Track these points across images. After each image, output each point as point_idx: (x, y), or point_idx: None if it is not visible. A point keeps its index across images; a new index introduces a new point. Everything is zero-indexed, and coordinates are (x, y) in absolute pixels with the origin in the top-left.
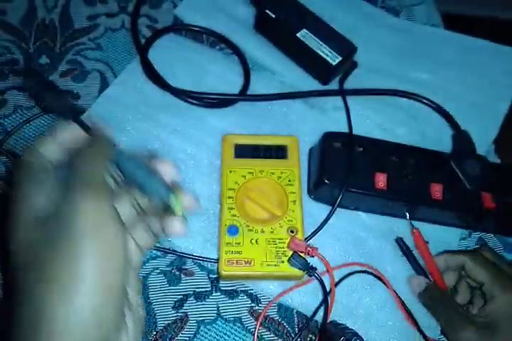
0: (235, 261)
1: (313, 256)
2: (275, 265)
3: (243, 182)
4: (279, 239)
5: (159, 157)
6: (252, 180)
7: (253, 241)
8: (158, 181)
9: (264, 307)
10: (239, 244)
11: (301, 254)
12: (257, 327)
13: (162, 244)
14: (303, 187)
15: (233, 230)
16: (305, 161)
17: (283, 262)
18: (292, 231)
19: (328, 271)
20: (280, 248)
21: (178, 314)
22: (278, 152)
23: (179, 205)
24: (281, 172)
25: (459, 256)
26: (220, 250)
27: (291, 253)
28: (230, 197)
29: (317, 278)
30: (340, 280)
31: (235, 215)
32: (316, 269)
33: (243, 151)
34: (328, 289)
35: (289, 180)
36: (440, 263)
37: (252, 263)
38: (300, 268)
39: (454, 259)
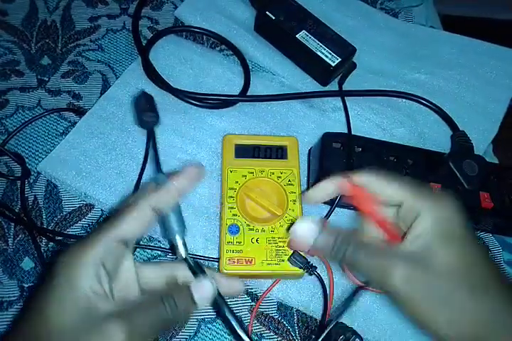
0: (235, 260)
1: (313, 255)
2: (276, 264)
3: (244, 182)
4: (279, 238)
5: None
6: (252, 180)
7: (254, 241)
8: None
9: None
10: (240, 243)
11: (301, 253)
12: (251, 320)
13: (162, 243)
14: (302, 187)
15: (234, 229)
16: (305, 161)
17: (283, 261)
18: None
19: (327, 269)
20: (280, 247)
21: None
22: (278, 152)
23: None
24: (281, 172)
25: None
26: (220, 249)
27: (291, 252)
28: (230, 197)
29: (317, 277)
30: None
31: (235, 215)
32: (316, 268)
33: (243, 151)
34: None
35: (289, 180)
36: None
37: (253, 262)
38: (300, 267)
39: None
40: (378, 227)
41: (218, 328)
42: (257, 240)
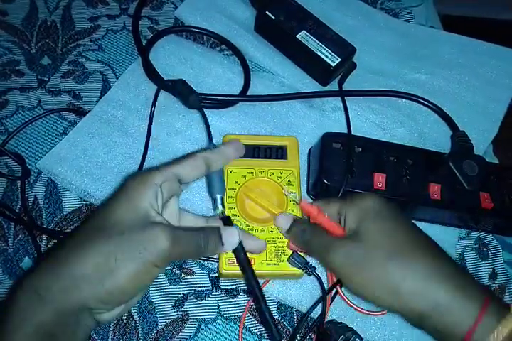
0: (235, 261)
1: (311, 255)
2: (275, 264)
3: (243, 182)
4: (278, 238)
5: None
6: (252, 180)
7: None
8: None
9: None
10: None
11: (301, 253)
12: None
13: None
14: (302, 187)
15: None
16: (305, 161)
17: (282, 261)
18: None
19: (326, 269)
20: (280, 247)
21: (179, 313)
22: (278, 152)
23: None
24: (281, 173)
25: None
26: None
27: (290, 252)
28: (230, 197)
29: (316, 277)
30: (339, 279)
31: (235, 215)
32: (315, 268)
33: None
34: (326, 288)
35: (289, 180)
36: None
37: (252, 262)
38: (299, 267)
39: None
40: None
41: (218, 328)
42: None
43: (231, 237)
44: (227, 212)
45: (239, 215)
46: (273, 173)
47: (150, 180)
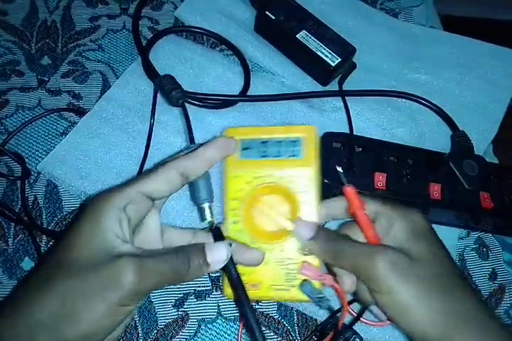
0: None
1: (327, 285)
2: (284, 289)
3: (249, 190)
4: (289, 259)
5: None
6: (259, 187)
7: None
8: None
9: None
10: None
11: (315, 283)
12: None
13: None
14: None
15: None
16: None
17: (294, 286)
18: (306, 252)
19: (343, 304)
20: (291, 270)
21: (179, 313)
22: (289, 148)
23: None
24: (294, 176)
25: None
26: (223, 271)
27: (303, 277)
28: (232, 210)
29: (329, 311)
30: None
31: (240, 231)
32: (329, 301)
33: (249, 150)
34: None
35: (304, 186)
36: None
37: (259, 286)
38: (311, 298)
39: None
40: (362, 231)
41: (218, 328)
42: (264, 261)
43: (218, 255)
44: (230, 228)
45: (244, 231)
46: (284, 177)
47: (110, 204)
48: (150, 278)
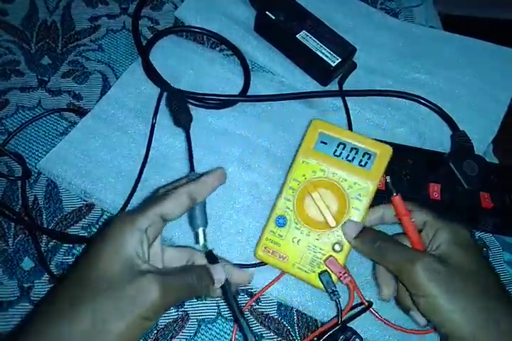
0: (271, 251)
1: (344, 282)
2: (305, 271)
3: (310, 178)
4: (320, 248)
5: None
6: (320, 179)
7: (295, 240)
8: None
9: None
10: (281, 236)
11: (333, 276)
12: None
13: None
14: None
15: (281, 222)
16: None
17: (314, 272)
18: (336, 249)
19: (350, 302)
20: (317, 257)
21: (179, 313)
22: (363, 158)
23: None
24: (355, 183)
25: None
26: (262, 233)
27: (325, 268)
28: (290, 188)
29: (336, 305)
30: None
31: (288, 208)
32: (339, 296)
33: (325, 145)
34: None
35: (359, 194)
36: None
37: (286, 259)
38: (325, 288)
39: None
40: (407, 237)
41: (218, 328)
42: (298, 241)
43: (218, 275)
44: (281, 203)
45: (292, 210)
46: (346, 180)
47: (134, 227)
48: (172, 293)
